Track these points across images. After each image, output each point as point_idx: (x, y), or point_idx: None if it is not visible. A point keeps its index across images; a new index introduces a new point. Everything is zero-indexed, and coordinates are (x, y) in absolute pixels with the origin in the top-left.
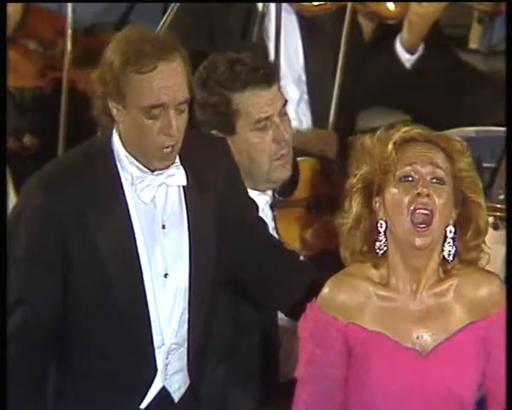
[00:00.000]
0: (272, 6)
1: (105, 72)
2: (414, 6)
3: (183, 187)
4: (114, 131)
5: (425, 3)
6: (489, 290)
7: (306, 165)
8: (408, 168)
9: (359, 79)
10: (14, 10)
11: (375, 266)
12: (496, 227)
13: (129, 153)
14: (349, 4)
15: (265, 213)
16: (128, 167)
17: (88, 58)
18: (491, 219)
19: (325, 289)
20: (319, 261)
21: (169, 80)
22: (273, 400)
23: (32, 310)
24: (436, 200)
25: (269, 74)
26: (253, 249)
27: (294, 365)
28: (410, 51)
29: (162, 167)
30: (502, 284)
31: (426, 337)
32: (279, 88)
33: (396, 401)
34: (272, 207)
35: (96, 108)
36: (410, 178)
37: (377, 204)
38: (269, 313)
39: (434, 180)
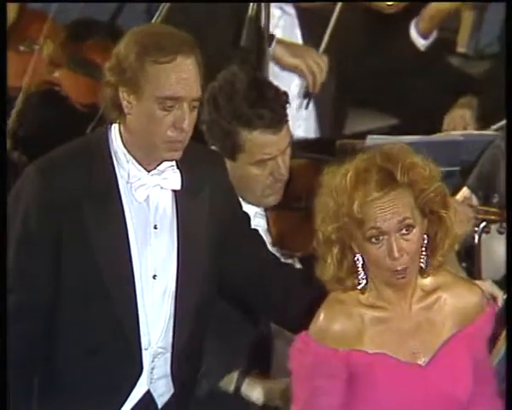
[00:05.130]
0: (262, 9)
1: (121, 61)
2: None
3: (177, 191)
4: (113, 127)
5: None
6: (474, 300)
7: (299, 166)
8: (374, 231)
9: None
10: (9, 12)
11: (362, 292)
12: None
13: (127, 151)
14: None
15: (259, 215)
16: (125, 165)
17: (73, 63)
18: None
19: (319, 321)
20: (313, 263)
21: (186, 74)
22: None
23: (23, 297)
24: (408, 249)
25: (282, 118)
26: (247, 262)
27: (286, 368)
28: (425, 36)
29: (169, 158)
30: (482, 291)
31: (421, 351)
32: (288, 127)
33: None
34: (266, 208)
35: (104, 99)
36: (379, 239)
37: (352, 243)
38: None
39: (403, 231)
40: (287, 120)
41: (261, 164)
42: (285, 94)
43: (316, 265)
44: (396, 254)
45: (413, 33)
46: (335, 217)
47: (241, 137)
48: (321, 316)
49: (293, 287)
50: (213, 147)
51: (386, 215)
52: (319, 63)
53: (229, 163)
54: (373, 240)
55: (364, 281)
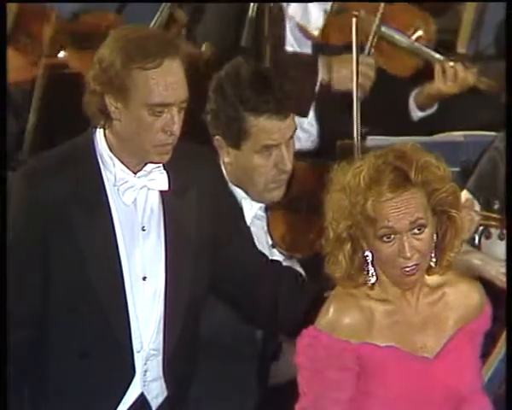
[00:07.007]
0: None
1: (106, 69)
2: (438, 82)
3: (164, 192)
4: (97, 131)
5: (450, 83)
6: (476, 298)
7: (300, 167)
8: (386, 230)
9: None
10: (10, 11)
11: (370, 288)
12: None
13: (114, 154)
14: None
15: (260, 216)
16: (111, 168)
17: (75, 41)
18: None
19: (329, 313)
20: (312, 265)
21: (173, 78)
22: (260, 404)
23: (13, 303)
24: (419, 248)
25: (288, 105)
26: (239, 262)
27: (282, 369)
28: (423, 109)
29: (158, 162)
30: (483, 289)
31: (428, 345)
32: (293, 117)
33: (408, 405)
34: (266, 209)
35: (90, 106)
36: (391, 237)
37: (363, 241)
38: None
39: (415, 230)
40: (292, 108)
41: (265, 152)
42: (289, 84)
43: (322, 264)
44: (408, 254)
45: (411, 103)
46: (348, 214)
47: (247, 123)
48: (331, 309)
49: (283, 287)
50: (217, 137)
51: (399, 215)
52: (367, 73)
53: (233, 152)
54: (384, 239)
55: (374, 278)
